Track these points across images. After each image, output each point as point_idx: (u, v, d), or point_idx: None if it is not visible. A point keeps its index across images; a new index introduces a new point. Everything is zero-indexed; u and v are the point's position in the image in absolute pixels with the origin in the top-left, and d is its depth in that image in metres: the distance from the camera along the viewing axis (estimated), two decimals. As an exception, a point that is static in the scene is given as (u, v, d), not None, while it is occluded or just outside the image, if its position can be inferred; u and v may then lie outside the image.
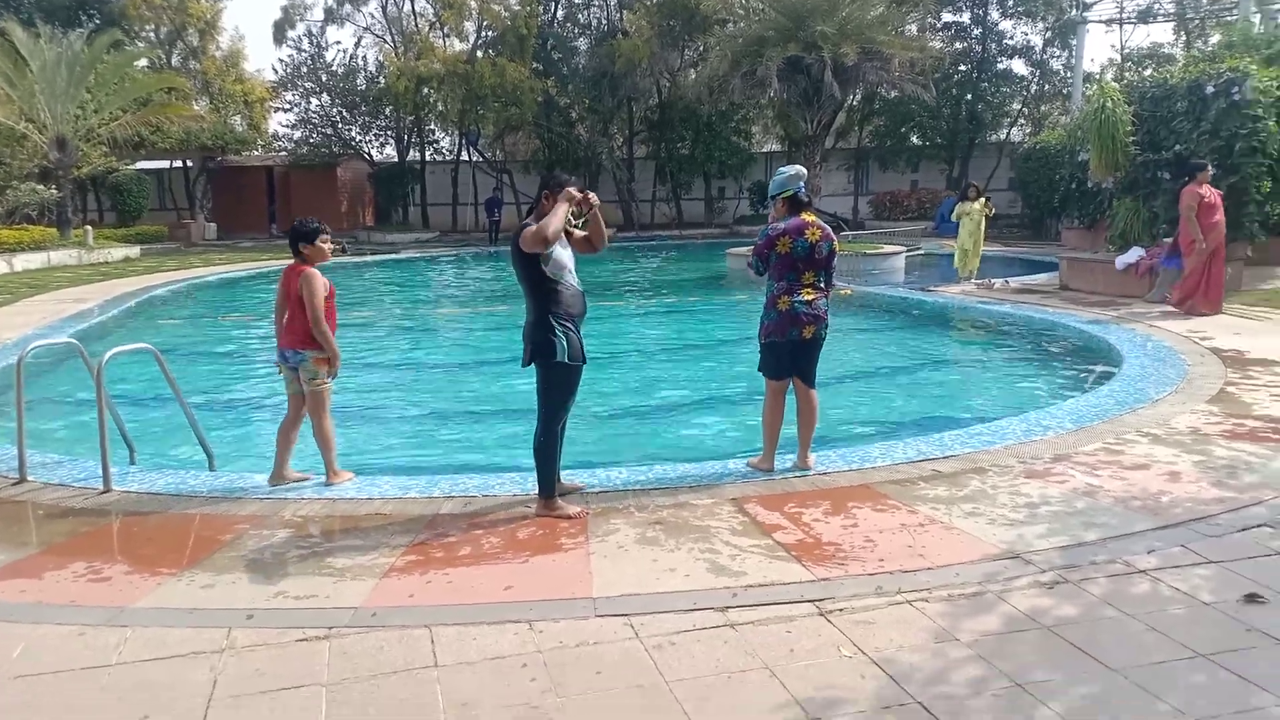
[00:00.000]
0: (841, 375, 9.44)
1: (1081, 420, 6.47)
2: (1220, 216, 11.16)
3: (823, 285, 5.61)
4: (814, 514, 4.83)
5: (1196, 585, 3.84)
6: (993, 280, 15.07)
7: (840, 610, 3.71)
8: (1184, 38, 33.71)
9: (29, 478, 5.78)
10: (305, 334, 5.49)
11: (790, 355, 5.59)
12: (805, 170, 5.82)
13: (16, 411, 5.85)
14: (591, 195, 5.05)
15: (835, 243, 5.63)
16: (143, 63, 32.59)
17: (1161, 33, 47.93)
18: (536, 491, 5.07)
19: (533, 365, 4.99)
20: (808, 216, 5.56)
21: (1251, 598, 3.69)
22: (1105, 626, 3.51)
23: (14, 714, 3.15)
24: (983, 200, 15.27)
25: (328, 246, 5.67)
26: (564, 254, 4.97)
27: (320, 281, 5.45)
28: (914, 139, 35.77)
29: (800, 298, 5.50)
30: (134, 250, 26.49)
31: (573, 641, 3.54)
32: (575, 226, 5.16)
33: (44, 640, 3.66)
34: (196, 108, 32.99)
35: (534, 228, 4.76)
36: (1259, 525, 4.49)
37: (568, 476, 5.39)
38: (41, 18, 27.01)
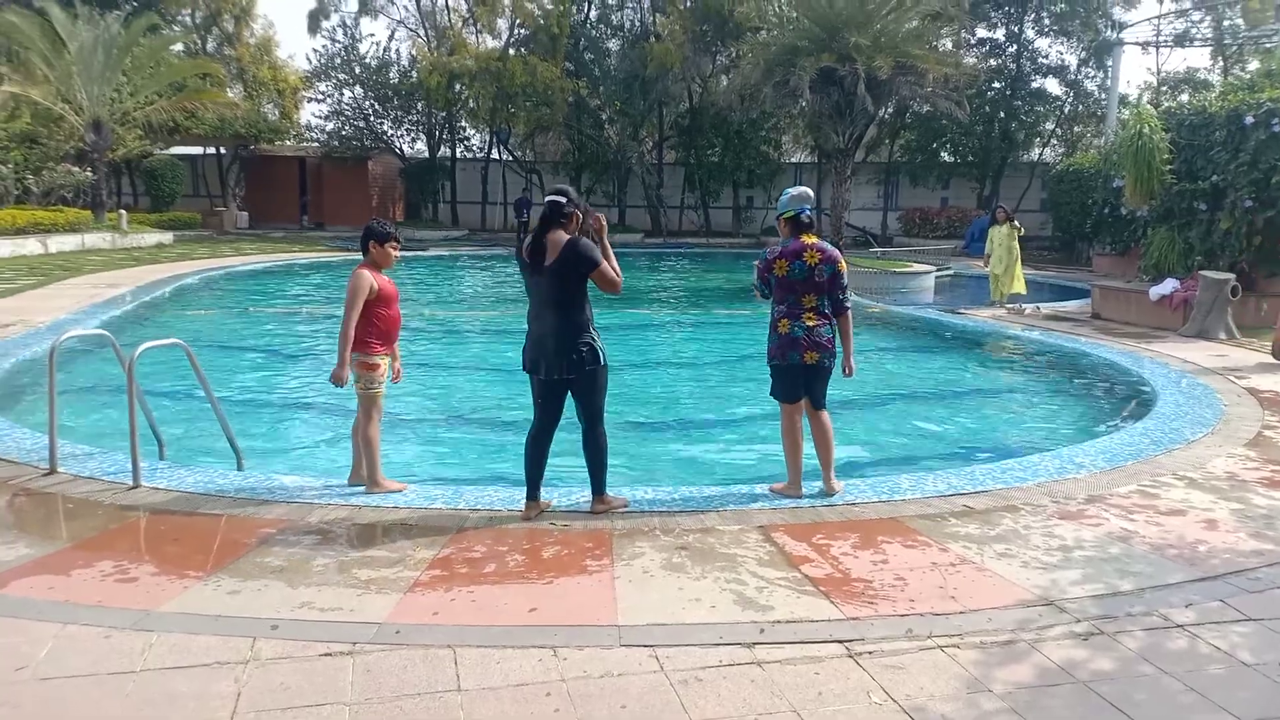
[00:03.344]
0: (870, 398, 9.37)
1: (1115, 459, 6.38)
2: None
3: (827, 311, 5.51)
4: (843, 547, 4.77)
5: (1236, 644, 3.76)
6: (1023, 305, 14.94)
7: (870, 653, 3.65)
8: (1221, 63, 33.35)
9: (59, 469, 5.81)
10: (359, 336, 5.43)
11: (798, 379, 5.54)
12: (810, 192, 5.76)
13: (49, 401, 5.87)
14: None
15: (840, 264, 5.50)
16: (178, 47, 32.95)
17: (1198, 57, 47.49)
18: (593, 493, 5.32)
19: (562, 376, 5.06)
20: (808, 239, 5.51)
21: (1293, 661, 3.61)
22: (1142, 684, 3.44)
23: (36, 718, 3.14)
24: (1009, 225, 15.04)
25: (395, 252, 5.62)
26: None
27: (365, 282, 5.39)
28: (945, 155, 35.57)
29: (801, 322, 5.45)
30: (167, 236, 26.72)
31: (597, 672, 3.50)
32: None
33: (71, 642, 3.66)
34: (230, 95, 33.22)
35: (611, 272, 5.01)
36: (1299, 582, 4.40)
37: (560, 491, 5.54)
38: (80, -1, 27.31)
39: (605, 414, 5.28)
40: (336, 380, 5.40)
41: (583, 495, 5.49)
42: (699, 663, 3.57)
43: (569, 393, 5.19)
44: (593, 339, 5.07)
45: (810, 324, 5.45)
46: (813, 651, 3.67)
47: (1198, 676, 3.50)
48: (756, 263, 5.64)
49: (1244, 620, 3.99)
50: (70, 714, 3.18)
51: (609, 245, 5.18)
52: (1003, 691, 3.38)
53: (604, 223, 5.27)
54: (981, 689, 3.40)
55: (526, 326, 5.21)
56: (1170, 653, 3.69)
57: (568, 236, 4.97)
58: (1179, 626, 3.92)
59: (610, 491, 5.39)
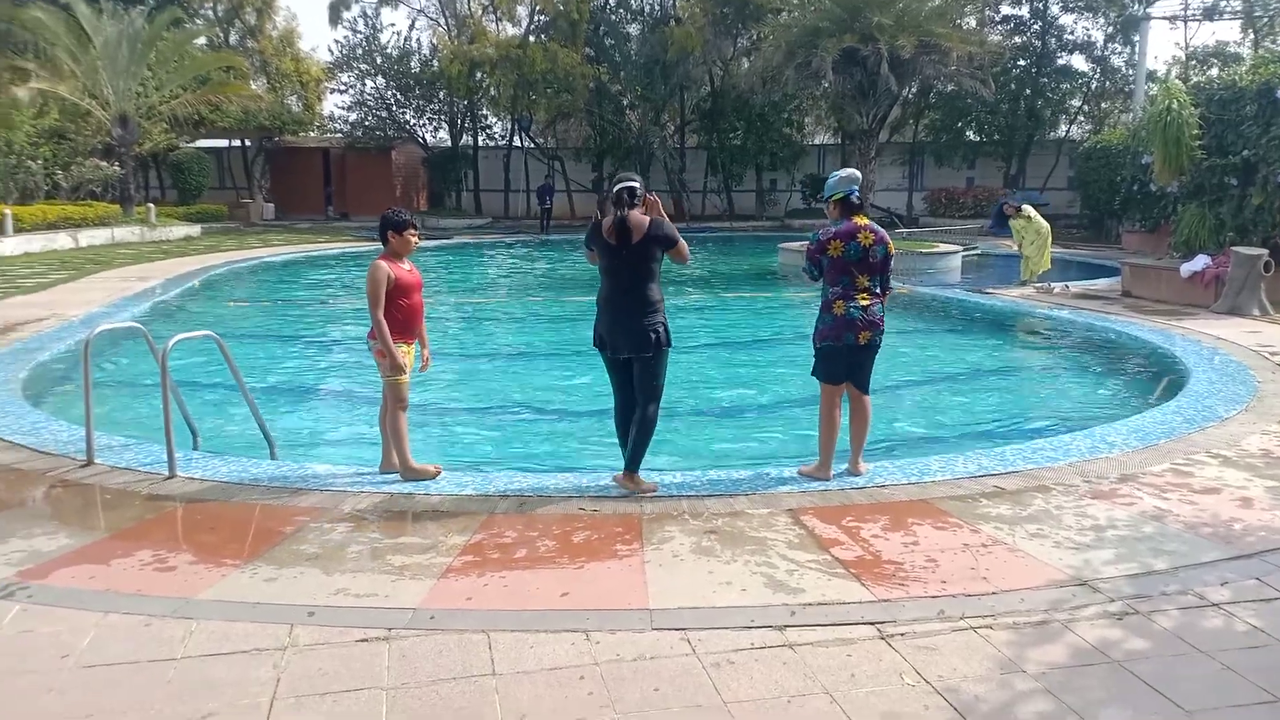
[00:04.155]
0: (897, 380, 9.32)
1: (1148, 438, 6.32)
2: None
3: (879, 291, 5.57)
4: (873, 529, 4.77)
5: (1273, 621, 3.72)
6: (1052, 284, 14.81)
7: (902, 634, 3.65)
8: (1252, 36, 32.75)
9: (96, 460, 5.90)
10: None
11: (845, 360, 5.55)
12: (859, 174, 5.77)
13: (84, 394, 5.96)
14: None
15: (890, 246, 5.57)
16: (201, 41, 33.12)
17: (1227, 30, 46.56)
18: (628, 468, 5.40)
19: (637, 354, 5.27)
20: (860, 220, 5.53)
21: (1331, 639, 3.57)
22: (1178, 663, 3.42)
23: (79, 706, 3.20)
24: (1020, 217, 15.00)
25: (414, 239, 5.65)
26: None
27: (382, 274, 5.42)
28: (970, 135, 35.22)
29: (856, 303, 5.46)
30: (194, 229, 26.96)
31: (629, 655, 3.52)
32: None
33: (112, 630, 3.72)
34: (254, 87, 33.41)
35: (684, 245, 5.32)
36: (1336, 559, 4.35)
37: (589, 477, 5.57)
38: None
39: (663, 393, 5.45)
40: (393, 373, 5.49)
41: (606, 479, 5.56)
42: (731, 645, 3.58)
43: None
44: (665, 318, 5.30)
45: (865, 304, 5.49)
46: (844, 634, 3.67)
47: (1235, 655, 3.47)
48: (807, 245, 5.62)
49: (1281, 598, 3.95)
50: (113, 701, 3.24)
51: (669, 220, 5.43)
52: (1036, 672, 3.37)
53: (655, 198, 5.48)
54: (1015, 669, 3.39)
55: (598, 307, 5.41)
56: (1206, 631, 3.66)
57: (647, 218, 5.23)
58: (1214, 605, 3.89)
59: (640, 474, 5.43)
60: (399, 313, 5.51)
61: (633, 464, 5.40)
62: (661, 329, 5.26)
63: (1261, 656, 3.47)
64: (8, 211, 20.47)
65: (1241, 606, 3.87)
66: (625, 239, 5.19)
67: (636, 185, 5.28)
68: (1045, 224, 15.09)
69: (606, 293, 5.37)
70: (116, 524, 4.96)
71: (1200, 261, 12.92)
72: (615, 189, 5.28)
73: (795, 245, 20.36)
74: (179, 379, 6.77)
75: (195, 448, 6.45)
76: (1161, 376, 8.92)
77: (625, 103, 34.90)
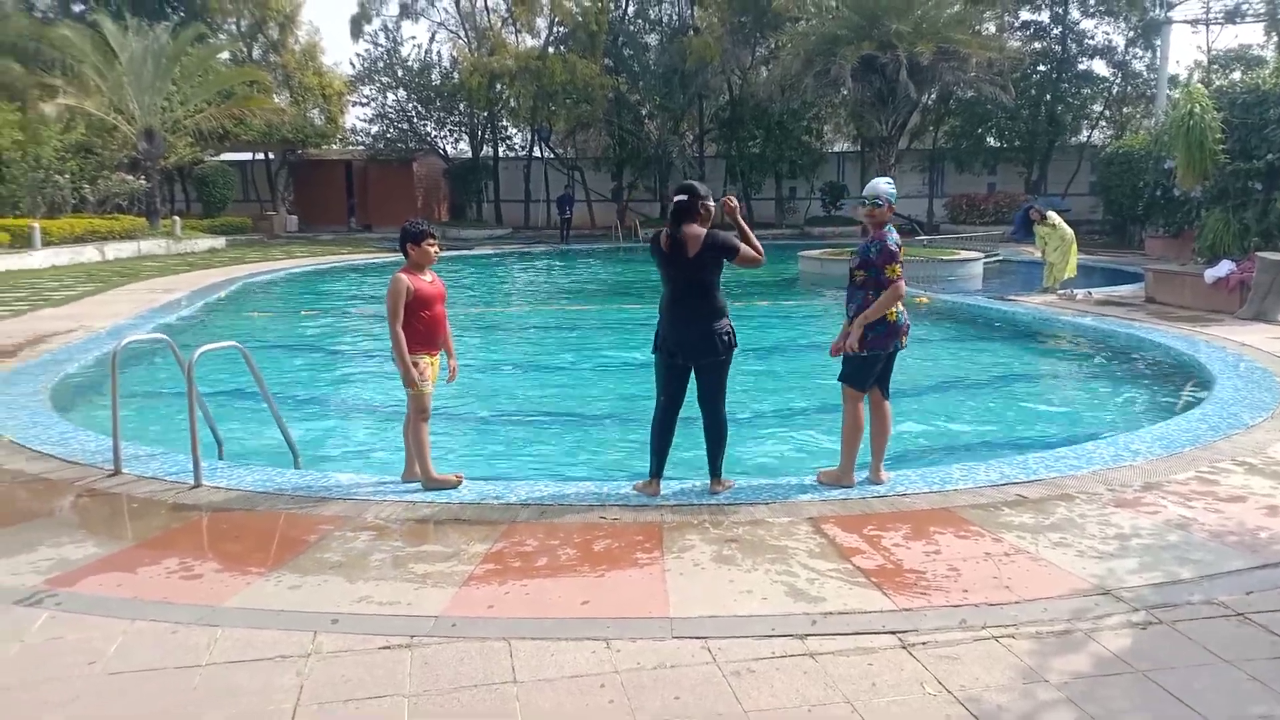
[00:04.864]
0: (918, 389, 9.28)
1: (1172, 446, 6.27)
2: None
3: None
4: (894, 538, 4.75)
5: (1299, 632, 3.69)
6: (1075, 291, 14.71)
7: (923, 644, 3.64)
8: (1275, 38, 32.43)
9: (124, 470, 5.97)
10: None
11: (879, 366, 5.55)
12: None
13: (112, 404, 6.03)
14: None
15: None
16: (225, 56, 33.50)
17: (1250, 33, 46.24)
18: (713, 475, 5.55)
19: (703, 360, 5.32)
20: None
21: (1360, 649, 3.53)
22: (1202, 673, 3.39)
23: (106, 713, 3.25)
24: (1044, 224, 14.88)
25: (433, 249, 5.68)
26: None
27: (401, 287, 5.44)
28: (991, 140, 35.05)
29: (899, 308, 5.47)
30: (219, 241, 27.25)
31: (650, 663, 3.53)
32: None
33: (139, 637, 3.77)
34: (277, 101, 33.74)
35: (751, 252, 5.22)
36: (1364, 568, 4.30)
37: (610, 485, 5.61)
38: (129, 10, 27.76)
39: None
40: (409, 385, 5.52)
41: (627, 488, 5.59)
42: (751, 654, 3.58)
43: (692, 374, 5.43)
44: (730, 325, 5.32)
45: (902, 308, 5.54)
46: (866, 643, 3.66)
47: (1260, 665, 3.44)
48: (891, 247, 5.37)
49: (1308, 608, 3.91)
50: (139, 707, 3.28)
51: (745, 224, 5.41)
52: (1059, 681, 3.35)
53: (735, 203, 5.63)
54: (1037, 679, 3.37)
55: (660, 313, 5.44)
56: (1231, 641, 3.63)
57: (704, 230, 5.21)
58: (1240, 615, 3.85)
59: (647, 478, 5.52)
60: (420, 324, 5.54)
61: (717, 471, 5.52)
62: (727, 334, 5.28)
63: (1288, 666, 3.44)
64: (36, 225, 20.77)
65: (1267, 616, 3.83)
66: (681, 252, 5.20)
67: (686, 197, 5.23)
68: (1070, 230, 14.98)
69: (667, 300, 5.39)
70: (143, 533, 5.02)
71: (1224, 267, 12.80)
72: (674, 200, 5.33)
73: (815, 253, 20.38)
74: (204, 389, 6.83)
75: (220, 457, 6.52)
76: (1186, 383, 8.85)
77: (644, 112, 35.04)
